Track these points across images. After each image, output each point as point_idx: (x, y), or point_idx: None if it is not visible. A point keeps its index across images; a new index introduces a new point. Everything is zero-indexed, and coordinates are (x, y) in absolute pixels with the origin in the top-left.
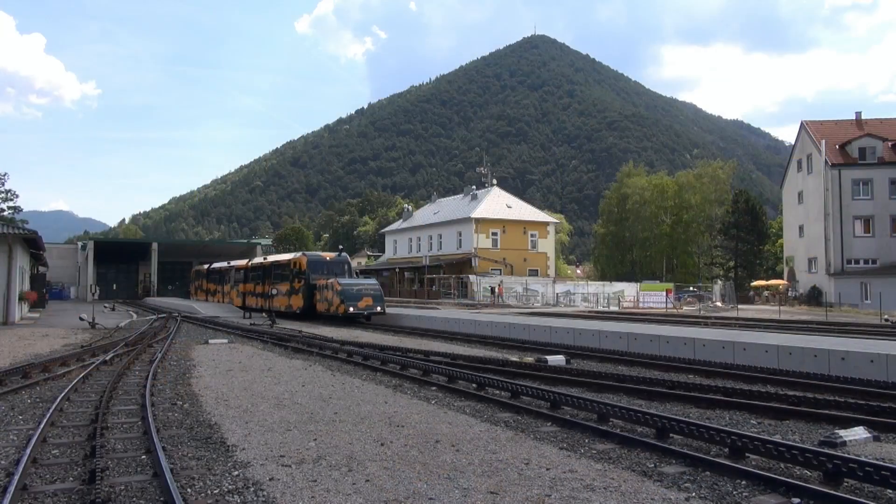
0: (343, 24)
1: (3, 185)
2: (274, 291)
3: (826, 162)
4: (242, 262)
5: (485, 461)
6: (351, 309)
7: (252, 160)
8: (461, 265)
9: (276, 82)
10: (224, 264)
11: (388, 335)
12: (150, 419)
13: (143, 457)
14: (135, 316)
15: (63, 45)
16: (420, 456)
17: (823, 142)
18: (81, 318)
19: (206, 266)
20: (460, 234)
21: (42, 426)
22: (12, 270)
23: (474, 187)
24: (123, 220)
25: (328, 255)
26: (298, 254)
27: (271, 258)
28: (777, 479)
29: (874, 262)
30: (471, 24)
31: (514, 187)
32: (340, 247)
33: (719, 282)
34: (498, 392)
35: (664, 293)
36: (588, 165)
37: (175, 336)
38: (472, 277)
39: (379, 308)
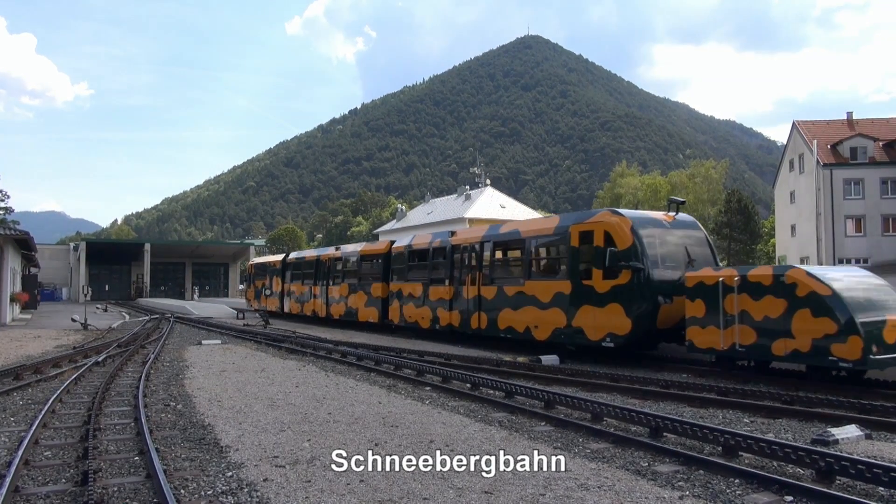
0: (334, 25)
1: None
2: (505, 296)
3: (818, 162)
4: (378, 246)
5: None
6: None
7: (245, 160)
8: None
9: (269, 83)
10: (327, 251)
11: (383, 335)
12: (143, 420)
13: (137, 458)
14: (127, 317)
15: (55, 45)
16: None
17: (815, 142)
18: (73, 320)
19: (277, 259)
20: None
21: (34, 428)
22: (4, 271)
23: (468, 187)
24: (116, 220)
25: (664, 216)
26: (594, 213)
27: (466, 233)
28: (770, 478)
29: (866, 261)
30: (463, 24)
31: (508, 187)
32: (677, 199)
33: None
34: (492, 392)
35: None
36: (581, 165)
37: (168, 337)
38: None
39: None
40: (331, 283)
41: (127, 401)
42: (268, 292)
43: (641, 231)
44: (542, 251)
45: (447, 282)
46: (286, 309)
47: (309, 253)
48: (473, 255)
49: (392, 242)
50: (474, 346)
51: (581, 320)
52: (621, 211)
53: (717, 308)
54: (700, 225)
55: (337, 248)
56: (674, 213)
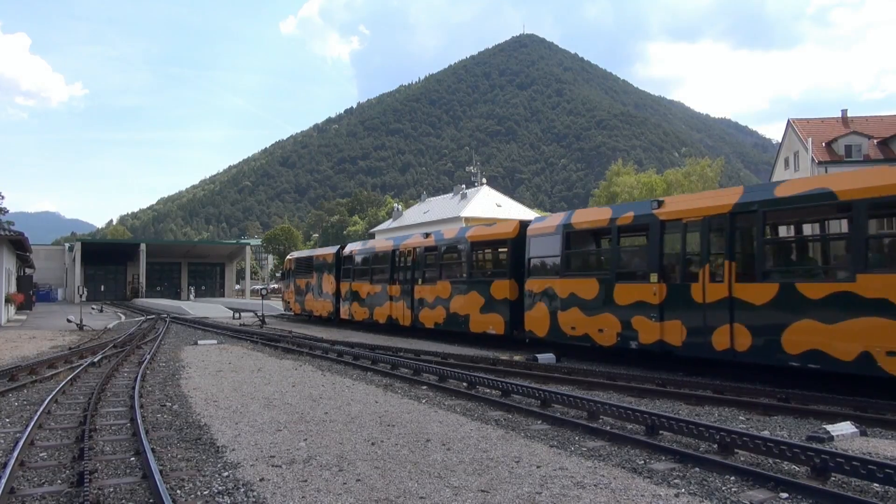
0: (329, 24)
1: None
2: (799, 299)
3: (813, 159)
4: (501, 229)
5: (475, 459)
6: None
7: (241, 160)
8: None
9: (264, 82)
10: (410, 240)
11: (378, 334)
12: (138, 421)
13: (133, 459)
14: (123, 317)
15: (49, 45)
16: (411, 455)
17: (810, 139)
18: (69, 320)
19: (330, 252)
20: None
21: (29, 429)
22: None
23: (464, 186)
24: (111, 220)
25: None
26: None
27: (693, 201)
28: (766, 475)
29: None
30: (458, 23)
31: (504, 186)
32: None
33: None
34: (489, 391)
35: None
36: (577, 164)
37: (164, 337)
38: None
39: None
40: (419, 281)
41: (123, 401)
42: (316, 293)
43: None
44: None
45: (653, 277)
46: (344, 314)
47: (380, 243)
48: (713, 235)
49: (523, 224)
50: (471, 344)
51: None
52: None
53: None
54: None
55: (427, 235)
56: None
